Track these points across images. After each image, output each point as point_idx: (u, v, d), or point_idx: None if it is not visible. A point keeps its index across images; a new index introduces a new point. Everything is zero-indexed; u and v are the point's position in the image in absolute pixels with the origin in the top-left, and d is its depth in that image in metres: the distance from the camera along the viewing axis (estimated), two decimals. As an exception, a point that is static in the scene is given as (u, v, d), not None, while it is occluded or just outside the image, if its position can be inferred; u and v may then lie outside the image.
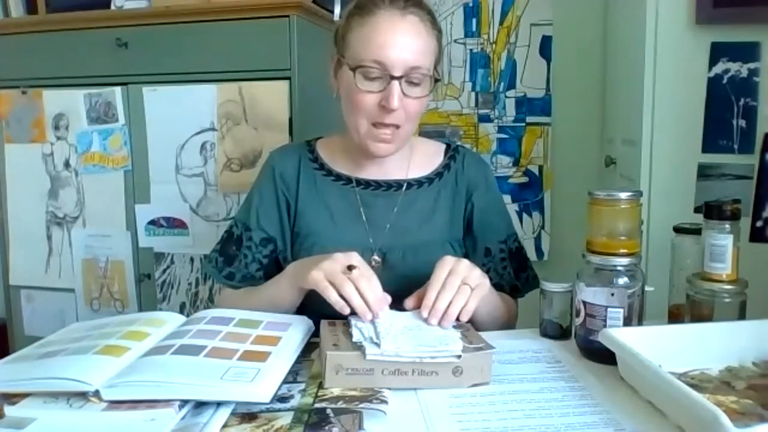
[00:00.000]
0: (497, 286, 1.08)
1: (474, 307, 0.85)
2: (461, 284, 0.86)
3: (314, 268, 0.86)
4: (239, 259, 1.09)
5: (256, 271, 1.09)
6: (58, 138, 1.78)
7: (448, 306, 0.84)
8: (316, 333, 0.88)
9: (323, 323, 0.85)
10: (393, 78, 0.95)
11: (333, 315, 0.85)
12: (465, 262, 0.89)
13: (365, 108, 0.97)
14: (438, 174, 1.12)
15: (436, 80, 1.01)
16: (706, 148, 1.41)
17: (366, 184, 1.09)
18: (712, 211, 0.87)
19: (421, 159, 1.12)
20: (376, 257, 1.04)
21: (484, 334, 0.84)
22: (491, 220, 1.11)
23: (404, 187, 1.09)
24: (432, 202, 1.09)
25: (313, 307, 0.96)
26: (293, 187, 1.09)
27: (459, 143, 1.19)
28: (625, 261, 0.84)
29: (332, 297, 0.83)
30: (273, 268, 1.09)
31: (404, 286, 1.00)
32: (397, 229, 1.06)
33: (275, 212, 1.09)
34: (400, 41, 0.95)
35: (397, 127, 0.99)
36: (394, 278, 1.01)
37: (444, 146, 1.16)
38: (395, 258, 1.04)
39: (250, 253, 1.09)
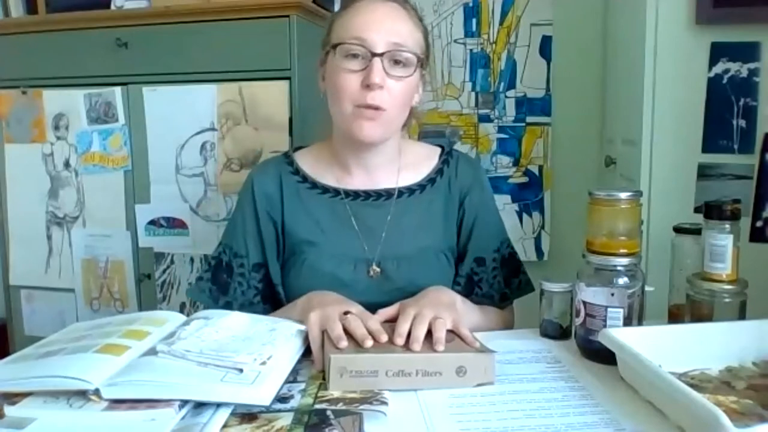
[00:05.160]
0: (487, 295, 1.07)
1: (443, 334, 0.79)
2: (434, 318, 0.81)
3: (316, 308, 0.85)
4: (233, 288, 1.06)
5: (254, 297, 1.06)
6: (58, 138, 1.78)
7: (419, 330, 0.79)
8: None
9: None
10: (375, 55, 0.94)
11: None
12: (427, 302, 0.87)
13: (348, 89, 0.95)
14: (430, 180, 1.08)
15: (422, 65, 1.00)
16: (706, 148, 1.41)
17: (355, 194, 1.05)
18: (712, 211, 0.87)
19: (412, 164, 1.09)
20: (375, 267, 1.02)
21: (484, 335, 0.84)
22: (485, 228, 1.08)
23: (395, 196, 1.05)
24: (424, 211, 1.06)
25: None
26: (278, 205, 1.06)
27: (454, 147, 1.17)
28: (625, 261, 0.84)
29: (314, 347, 0.81)
30: (268, 291, 1.07)
31: (400, 297, 0.99)
32: (391, 239, 1.03)
33: (260, 235, 1.06)
34: (381, 21, 0.96)
35: (380, 109, 0.96)
36: (390, 288, 1.00)
37: (438, 149, 1.13)
38: (390, 268, 1.02)
39: (245, 281, 1.06)
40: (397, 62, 0.96)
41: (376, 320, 0.83)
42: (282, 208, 1.06)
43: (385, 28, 0.95)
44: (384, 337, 0.78)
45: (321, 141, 1.13)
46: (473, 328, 0.93)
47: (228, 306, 1.06)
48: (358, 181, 1.06)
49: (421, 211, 1.06)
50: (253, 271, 1.06)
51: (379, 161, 1.06)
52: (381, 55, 0.94)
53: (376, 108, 0.95)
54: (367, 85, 0.94)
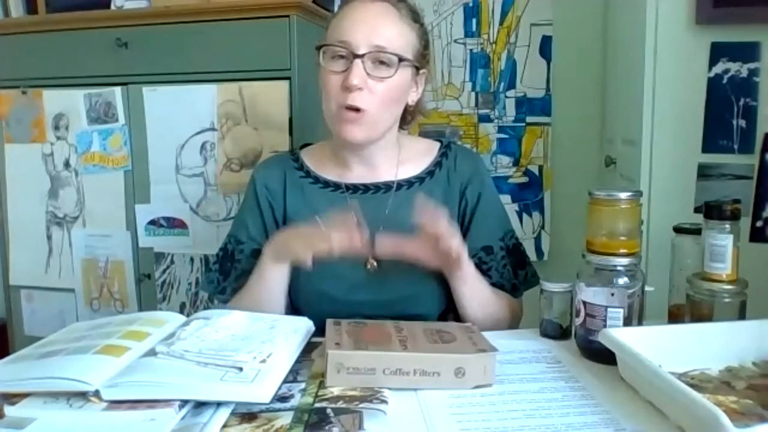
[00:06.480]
0: (497, 285, 1.07)
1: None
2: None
3: (293, 246, 0.95)
4: (231, 273, 1.10)
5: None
6: (58, 138, 1.78)
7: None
8: (316, 333, 0.88)
9: (328, 322, 0.85)
10: (356, 56, 0.95)
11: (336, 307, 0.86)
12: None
13: (331, 90, 0.97)
14: (429, 172, 1.10)
15: (401, 59, 0.99)
16: (706, 148, 1.41)
17: (354, 188, 1.07)
18: (712, 211, 0.87)
19: (411, 158, 1.10)
20: (372, 260, 1.03)
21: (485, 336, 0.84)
22: (489, 216, 1.09)
23: (394, 188, 1.07)
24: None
25: (313, 310, 0.96)
26: (280, 197, 1.09)
27: (452, 140, 1.18)
28: (625, 261, 0.84)
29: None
30: None
31: (397, 290, 1.00)
32: (389, 232, 1.03)
33: (262, 224, 1.09)
34: (365, 22, 0.97)
35: (361, 110, 0.96)
36: (387, 281, 1.01)
37: (437, 144, 1.14)
38: (388, 261, 1.02)
39: (241, 266, 1.09)
40: (381, 63, 0.97)
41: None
42: (284, 201, 1.09)
43: (369, 30, 0.96)
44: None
45: (326, 139, 1.14)
46: (481, 293, 0.99)
47: (223, 291, 1.09)
48: (357, 175, 1.08)
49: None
50: (252, 257, 1.08)
51: (377, 157, 1.07)
52: (362, 56, 0.95)
53: (357, 109, 0.97)
54: (347, 87, 0.95)
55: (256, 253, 1.08)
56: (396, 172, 1.09)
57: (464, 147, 1.19)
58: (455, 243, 0.90)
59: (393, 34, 0.98)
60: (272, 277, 1.00)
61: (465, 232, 1.08)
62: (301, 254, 0.93)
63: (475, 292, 0.99)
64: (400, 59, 0.98)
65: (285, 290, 1.02)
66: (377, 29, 0.97)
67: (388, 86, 0.98)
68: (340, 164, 1.09)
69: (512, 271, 1.10)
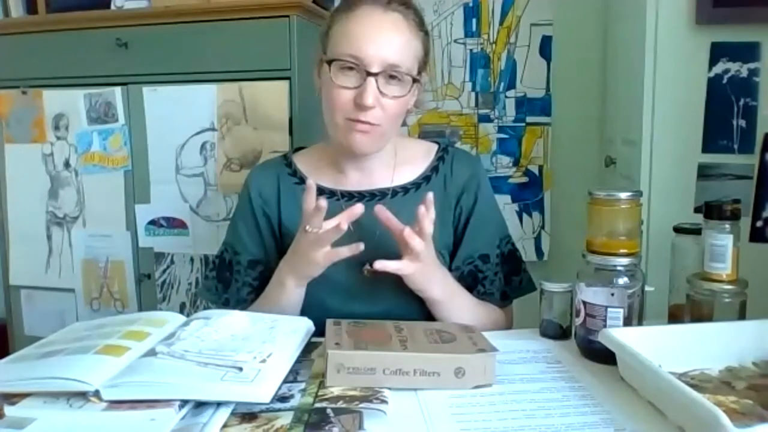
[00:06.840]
0: (488, 293, 1.06)
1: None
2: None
3: (312, 263, 0.93)
4: (232, 284, 1.09)
5: (248, 295, 1.07)
6: (58, 138, 1.78)
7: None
8: (316, 333, 0.88)
9: (328, 322, 0.85)
10: (369, 74, 0.93)
11: (333, 317, 0.86)
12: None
13: (341, 104, 0.95)
14: (425, 178, 1.08)
15: (415, 80, 0.98)
16: (706, 148, 1.41)
17: (350, 195, 1.06)
18: (712, 211, 0.87)
19: (408, 161, 1.09)
20: (368, 267, 1.01)
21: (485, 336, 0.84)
22: (484, 224, 1.07)
23: (389, 195, 1.05)
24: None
25: (313, 311, 0.96)
26: (274, 205, 1.08)
27: (449, 143, 1.16)
28: (625, 261, 0.84)
29: (342, 252, 0.92)
30: (264, 289, 1.07)
31: (394, 297, 0.99)
32: (385, 239, 1.01)
33: (257, 233, 1.08)
34: (378, 37, 0.94)
35: (374, 125, 0.96)
36: (384, 288, 1.00)
37: (435, 147, 1.12)
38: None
39: (240, 278, 1.08)
40: (391, 77, 0.95)
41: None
42: (279, 208, 1.08)
43: (382, 45, 0.94)
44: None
45: (321, 142, 1.13)
46: (465, 308, 0.98)
47: (227, 303, 1.08)
48: (353, 181, 1.07)
49: (416, 209, 1.05)
50: (249, 268, 1.08)
51: (373, 163, 1.06)
52: (376, 75, 0.93)
53: (369, 123, 0.96)
54: (360, 105, 0.94)
55: (253, 264, 1.08)
56: (392, 176, 1.07)
57: (462, 150, 1.16)
58: (416, 241, 0.92)
59: (404, 49, 0.96)
60: (296, 299, 0.99)
61: (461, 238, 1.07)
62: (324, 261, 0.92)
63: (447, 314, 0.99)
64: (414, 79, 0.97)
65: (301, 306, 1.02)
66: (390, 45, 0.94)
67: (399, 104, 0.97)
68: (336, 170, 1.07)
69: (505, 278, 1.08)
